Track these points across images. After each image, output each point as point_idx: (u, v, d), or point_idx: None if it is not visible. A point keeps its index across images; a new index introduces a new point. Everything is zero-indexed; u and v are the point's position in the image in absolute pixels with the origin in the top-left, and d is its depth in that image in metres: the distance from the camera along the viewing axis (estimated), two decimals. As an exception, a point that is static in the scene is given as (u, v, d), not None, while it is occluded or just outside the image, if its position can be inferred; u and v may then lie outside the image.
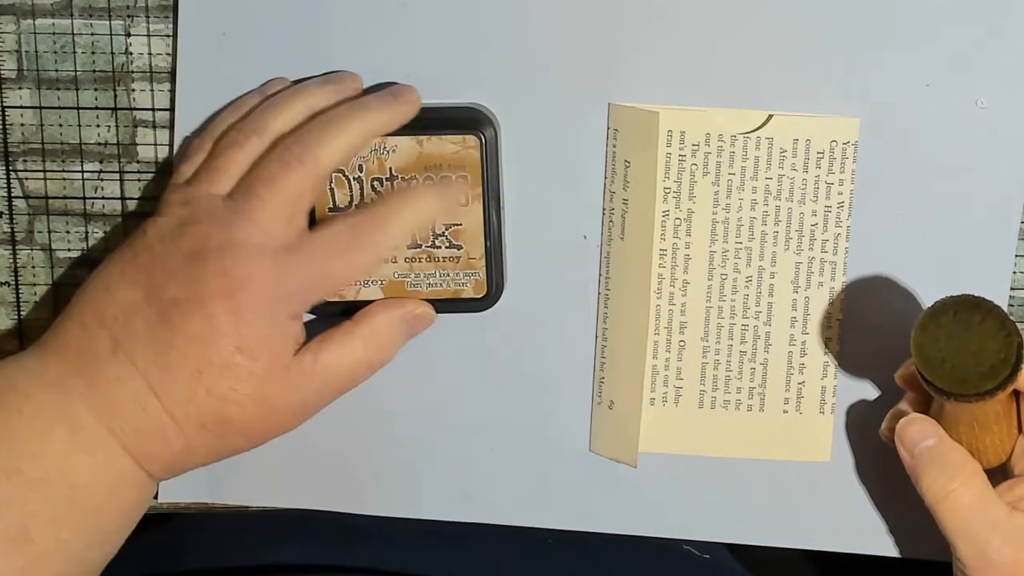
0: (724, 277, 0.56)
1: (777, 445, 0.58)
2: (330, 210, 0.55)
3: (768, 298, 0.56)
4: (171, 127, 0.56)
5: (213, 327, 0.49)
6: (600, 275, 0.57)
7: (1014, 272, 0.56)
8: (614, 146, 0.55)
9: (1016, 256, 0.56)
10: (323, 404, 0.53)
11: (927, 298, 0.55)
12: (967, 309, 0.48)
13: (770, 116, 0.54)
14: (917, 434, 0.52)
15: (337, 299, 0.55)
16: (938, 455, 0.51)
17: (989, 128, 0.54)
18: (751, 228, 0.56)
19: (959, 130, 0.54)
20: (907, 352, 0.49)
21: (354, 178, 0.54)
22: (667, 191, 0.55)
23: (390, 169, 0.54)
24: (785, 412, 0.57)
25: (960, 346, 0.48)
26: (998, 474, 0.52)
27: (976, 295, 0.48)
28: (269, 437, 0.53)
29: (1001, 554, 0.50)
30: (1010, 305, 0.56)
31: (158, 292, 0.50)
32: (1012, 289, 0.56)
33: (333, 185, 0.54)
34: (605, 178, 0.55)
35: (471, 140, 0.54)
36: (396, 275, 0.55)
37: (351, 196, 0.55)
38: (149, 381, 0.50)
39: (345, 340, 0.53)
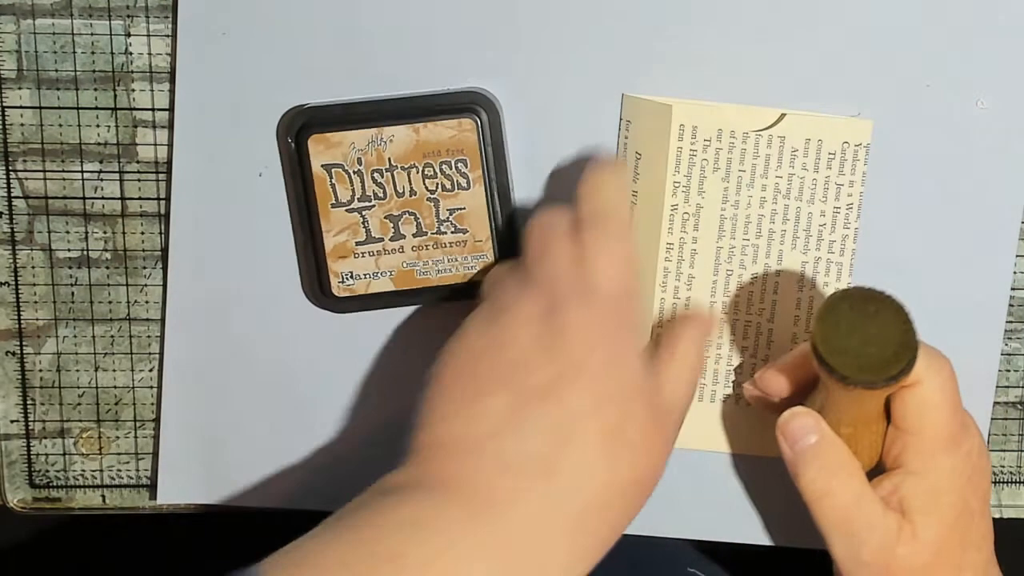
0: (730, 273, 0.56)
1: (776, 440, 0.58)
2: (332, 206, 0.55)
3: (773, 295, 0.56)
4: (170, 128, 0.57)
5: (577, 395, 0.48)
6: None
7: (1015, 272, 0.56)
8: (626, 138, 0.55)
9: (1016, 256, 0.56)
10: (676, 437, 0.52)
11: (929, 299, 0.55)
12: (862, 300, 0.49)
13: (783, 115, 0.54)
14: (799, 429, 0.52)
15: (347, 294, 0.56)
16: (820, 452, 0.51)
17: (989, 129, 0.55)
18: (759, 225, 0.56)
19: (959, 131, 0.55)
20: None
21: (354, 171, 0.55)
22: (676, 185, 0.55)
23: (388, 159, 0.55)
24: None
25: (861, 335, 0.48)
26: (871, 475, 0.53)
27: (869, 287, 0.49)
28: (651, 488, 0.50)
29: (874, 555, 0.51)
30: (1011, 305, 0.57)
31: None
32: (1013, 289, 0.57)
33: (335, 181, 0.55)
34: None
35: (467, 123, 0.54)
36: (404, 264, 0.56)
37: (352, 190, 0.55)
38: (492, 446, 0.47)
39: (675, 370, 0.51)
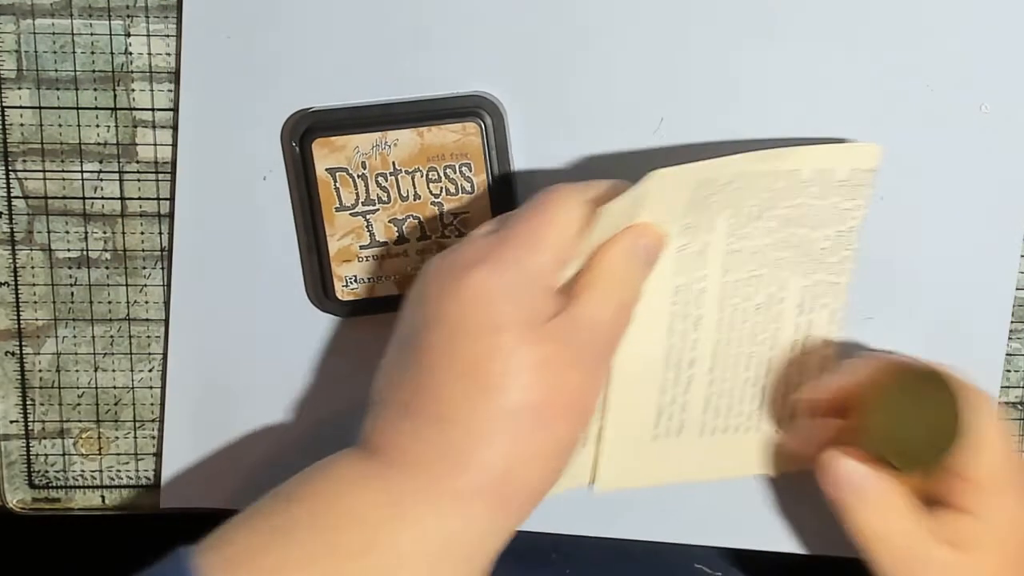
0: (735, 308, 0.55)
1: (772, 459, 0.58)
2: (336, 209, 0.55)
3: (774, 324, 0.56)
4: (174, 130, 0.56)
5: (453, 320, 0.47)
6: None
7: (1021, 272, 0.57)
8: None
9: (1021, 257, 0.57)
10: (606, 361, 0.50)
11: (932, 301, 0.56)
12: (914, 382, 0.50)
13: (793, 151, 0.52)
14: (844, 473, 0.51)
15: (351, 297, 0.56)
16: (869, 495, 0.51)
17: (992, 132, 0.55)
18: (765, 255, 0.54)
19: (962, 134, 0.55)
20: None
21: (358, 175, 0.55)
22: (686, 227, 0.52)
23: (393, 163, 0.55)
24: (779, 431, 0.57)
25: (913, 423, 0.50)
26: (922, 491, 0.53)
27: (919, 365, 0.51)
28: (585, 414, 0.48)
29: None
30: (1015, 305, 0.57)
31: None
32: (1017, 289, 0.57)
33: (339, 184, 0.55)
34: None
35: (471, 127, 0.54)
36: (409, 268, 0.56)
37: (356, 193, 0.55)
38: (422, 410, 0.47)
39: (589, 291, 0.49)
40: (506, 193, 0.55)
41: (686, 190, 0.50)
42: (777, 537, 0.60)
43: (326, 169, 0.55)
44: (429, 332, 0.47)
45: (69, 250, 0.58)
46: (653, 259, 0.51)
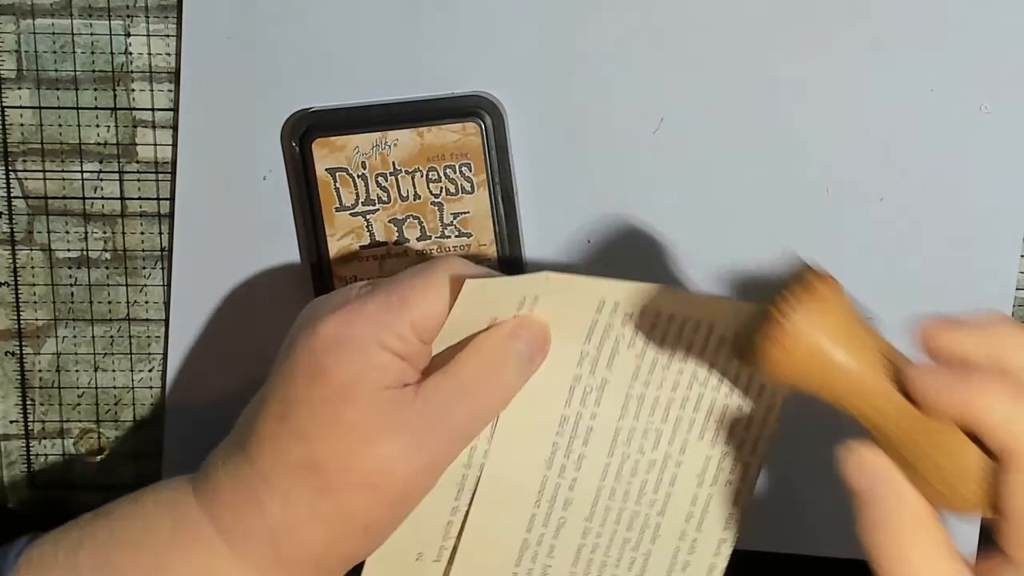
0: (626, 457, 0.49)
1: None
2: (336, 209, 0.55)
3: (668, 487, 0.50)
4: (175, 130, 0.56)
5: (293, 361, 0.45)
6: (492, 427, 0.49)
7: (1020, 272, 0.57)
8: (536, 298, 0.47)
9: (1021, 256, 0.57)
10: (445, 449, 0.46)
11: (933, 302, 0.55)
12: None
13: (717, 301, 0.49)
14: (862, 471, 0.41)
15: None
16: (886, 505, 0.41)
17: (993, 133, 0.55)
18: (667, 410, 0.49)
19: (963, 135, 0.55)
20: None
21: (358, 175, 0.55)
22: (584, 355, 0.48)
23: (393, 163, 0.55)
24: None
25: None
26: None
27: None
28: (383, 489, 0.45)
29: None
30: (1015, 305, 0.57)
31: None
32: (1017, 289, 0.57)
33: (339, 184, 0.55)
34: None
35: (471, 127, 0.54)
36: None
37: (356, 193, 0.55)
38: (244, 446, 0.46)
39: (448, 373, 0.46)
40: (506, 193, 0.55)
41: (583, 308, 0.47)
42: (777, 539, 0.60)
43: (326, 169, 0.55)
44: (276, 366, 0.46)
45: (69, 250, 0.58)
46: (534, 358, 0.47)
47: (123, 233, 0.58)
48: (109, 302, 0.58)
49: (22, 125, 0.57)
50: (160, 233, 0.58)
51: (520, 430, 0.48)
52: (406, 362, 0.45)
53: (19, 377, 0.59)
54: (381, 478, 0.44)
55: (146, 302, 0.58)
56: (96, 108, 0.57)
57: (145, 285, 0.58)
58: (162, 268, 0.58)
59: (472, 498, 0.49)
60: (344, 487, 0.44)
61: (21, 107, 0.57)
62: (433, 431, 0.45)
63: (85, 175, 0.57)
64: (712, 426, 0.49)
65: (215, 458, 0.47)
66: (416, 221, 0.55)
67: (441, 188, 0.55)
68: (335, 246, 0.56)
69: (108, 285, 0.58)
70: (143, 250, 0.58)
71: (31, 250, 0.58)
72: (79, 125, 0.57)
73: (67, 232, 0.58)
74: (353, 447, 0.44)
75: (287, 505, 0.45)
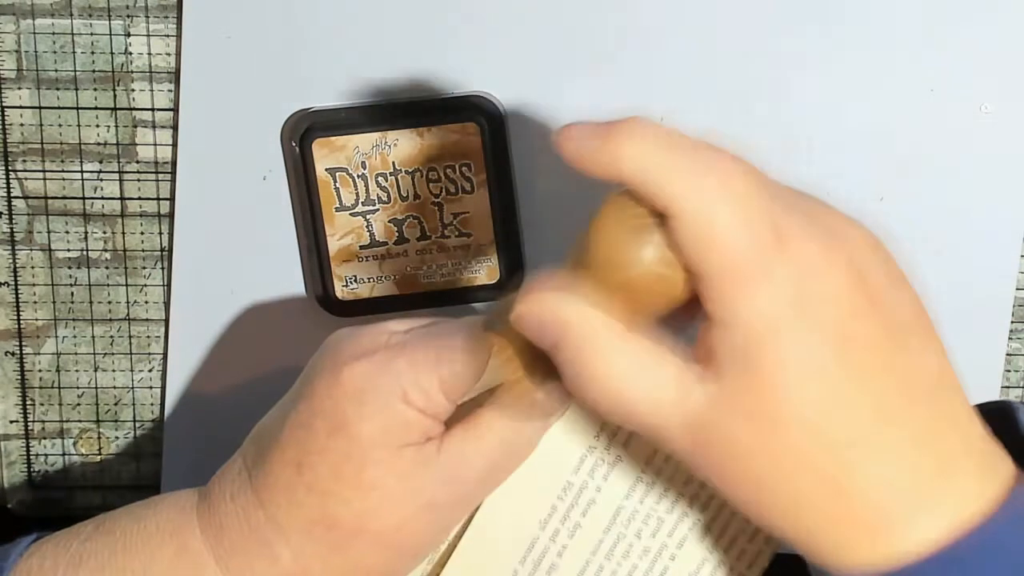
0: (621, 537, 0.48)
1: None
2: (336, 209, 0.55)
3: None
4: (175, 130, 0.56)
5: (313, 405, 0.44)
6: None
7: (1020, 272, 0.57)
8: None
9: (1021, 257, 0.57)
10: (459, 507, 0.45)
11: (933, 301, 0.55)
12: None
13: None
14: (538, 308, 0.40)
15: (351, 297, 0.56)
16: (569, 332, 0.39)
17: (993, 133, 0.55)
18: (675, 502, 0.48)
19: (963, 135, 0.55)
20: None
21: (358, 175, 0.55)
22: (603, 427, 0.48)
23: (393, 163, 0.55)
24: None
25: None
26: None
27: None
28: (397, 546, 0.44)
29: (670, 419, 0.38)
30: (1015, 305, 0.57)
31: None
32: (1017, 289, 0.57)
33: (339, 184, 0.55)
34: None
35: (471, 127, 0.54)
36: (408, 268, 0.56)
37: (356, 193, 0.55)
38: (255, 486, 0.44)
39: (476, 425, 0.44)
40: (506, 193, 0.55)
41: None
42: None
43: (326, 169, 0.55)
44: (295, 402, 0.45)
45: (69, 250, 0.58)
46: (553, 414, 0.46)
47: (123, 233, 0.58)
48: (109, 302, 0.58)
49: (22, 125, 0.57)
50: (160, 233, 0.58)
51: (524, 484, 0.47)
52: (430, 419, 0.44)
53: (19, 377, 0.59)
54: (398, 537, 0.44)
55: (146, 302, 0.58)
56: (96, 108, 0.57)
57: (145, 285, 0.58)
58: (162, 268, 0.58)
59: (462, 533, 0.48)
60: (359, 544, 0.44)
61: (21, 107, 0.57)
62: (452, 492, 0.44)
63: (85, 175, 0.57)
64: (716, 529, 0.48)
65: (223, 488, 0.45)
66: (416, 221, 0.55)
67: (441, 188, 0.55)
68: (335, 246, 0.56)
69: (108, 285, 0.58)
70: (143, 250, 0.58)
71: (31, 250, 0.58)
72: (79, 125, 0.57)
73: (67, 232, 0.58)
74: (371, 508, 0.43)
75: (299, 557, 0.44)
